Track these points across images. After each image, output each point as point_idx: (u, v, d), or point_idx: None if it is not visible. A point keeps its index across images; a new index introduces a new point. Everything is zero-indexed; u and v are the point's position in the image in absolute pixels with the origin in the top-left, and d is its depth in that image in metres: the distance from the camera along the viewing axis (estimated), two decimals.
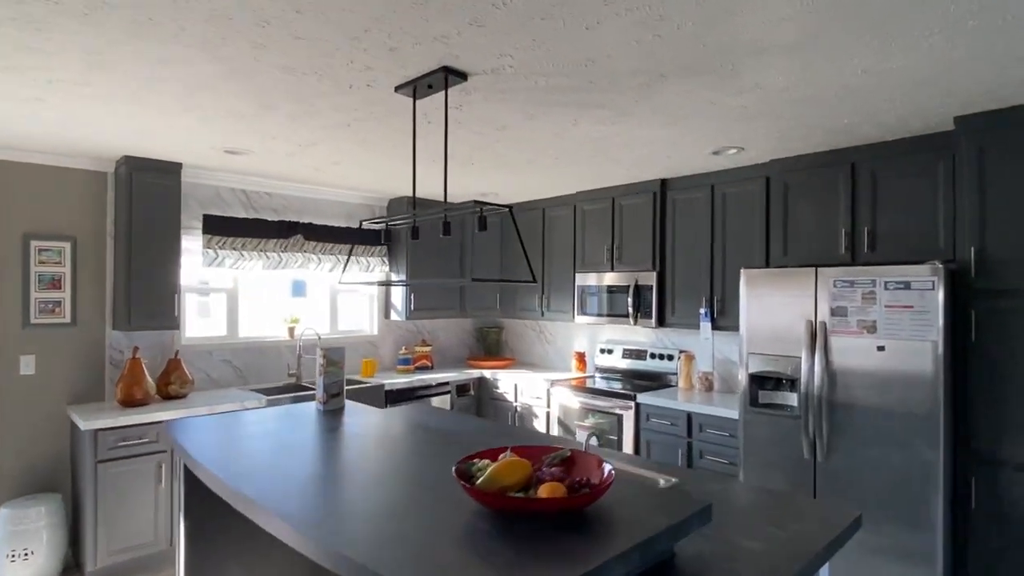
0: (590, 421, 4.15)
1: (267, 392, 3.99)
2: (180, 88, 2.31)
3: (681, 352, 4.26)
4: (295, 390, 4.21)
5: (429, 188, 4.52)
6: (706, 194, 3.89)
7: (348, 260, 2.89)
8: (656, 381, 4.39)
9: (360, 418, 2.47)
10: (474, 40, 1.87)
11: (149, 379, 3.52)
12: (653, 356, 4.47)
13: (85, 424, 3.08)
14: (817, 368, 2.88)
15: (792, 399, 3.03)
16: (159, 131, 2.93)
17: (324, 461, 1.81)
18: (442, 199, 5.00)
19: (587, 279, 4.52)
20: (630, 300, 4.20)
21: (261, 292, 4.56)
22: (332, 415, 2.56)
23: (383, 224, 2.61)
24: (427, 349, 5.13)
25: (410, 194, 4.88)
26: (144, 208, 3.54)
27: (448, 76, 2.13)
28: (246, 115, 2.65)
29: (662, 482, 2.06)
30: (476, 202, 1.99)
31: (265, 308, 4.57)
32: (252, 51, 1.96)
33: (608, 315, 4.38)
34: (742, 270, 3.23)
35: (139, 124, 2.80)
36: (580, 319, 4.57)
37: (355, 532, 1.27)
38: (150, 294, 3.55)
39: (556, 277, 4.88)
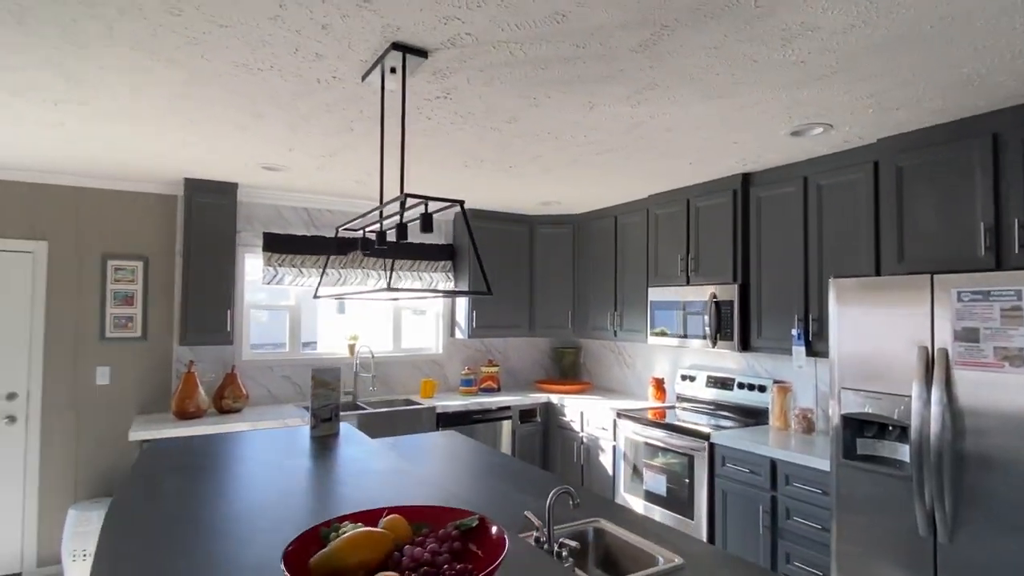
0: (659, 461, 3.54)
1: None
2: (165, 100, 2.28)
3: (775, 382, 3.50)
4: (351, 408, 4.13)
5: (478, 196, 4.26)
6: (798, 188, 3.17)
7: (391, 273, 2.69)
8: (749, 417, 3.65)
9: (333, 449, 2.21)
10: (399, 2, 1.56)
11: (202, 393, 3.61)
12: (742, 386, 3.74)
13: (133, 435, 3.19)
14: (935, 411, 2.09)
15: (903, 451, 2.25)
16: (197, 150, 2.99)
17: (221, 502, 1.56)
18: (502, 210, 4.72)
19: (659, 294, 3.93)
20: (706, 318, 3.55)
21: (329, 308, 4.59)
22: (319, 442, 2.34)
23: (360, 232, 2.36)
24: (494, 370, 4.82)
25: (478, 207, 4.65)
26: (201, 227, 3.68)
27: (406, 54, 1.84)
28: (245, 125, 2.57)
29: (661, 560, 1.54)
30: (408, 194, 1.64)
31: (330, 325, 4.59)
32: (191, 47, 1.82)
33: (682, 336, 3.75)
34: (831, 280, 2.51)
35: (170, 144, 2.87)
36: (653, 340, 3.97)
37: None
38: (206, 310, 3.67)
39: (629, 293, 4.33)
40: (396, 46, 1.80)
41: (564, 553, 1.47)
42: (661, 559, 1.54)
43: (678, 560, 1.52)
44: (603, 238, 4.60)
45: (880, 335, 2.31)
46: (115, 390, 3.68)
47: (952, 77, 2.03)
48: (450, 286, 4.84)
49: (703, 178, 3.57)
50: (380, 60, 1.89)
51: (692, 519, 3.29)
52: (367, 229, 2.36)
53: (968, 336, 2.03)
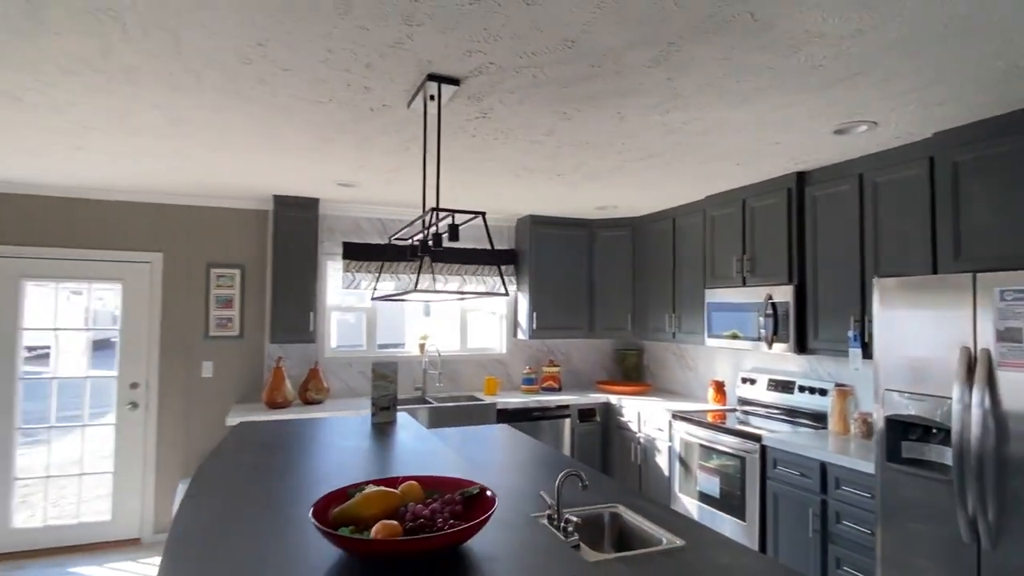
0: (712, 462, 3.55)
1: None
2: (247, 130, 2.66)
3: (837, 386, 3.41)
4: (419, 403, 4.45)
5: (538, 202, 4.45)
6: (853, 186, 3.09)
7: (417, 276, 2.96)
8: (810, 421, 3.58)
9: (389, 435, 2.48)
10: (427, 41, 1.79)
11: (289, 386, 4.06)
12: (803, 389, 3.66)
13: (229, 420, 3.67)
14: (975, 415, 2.02)
15: (947, 455, 2.19)
16: (281, 171, 3.41)
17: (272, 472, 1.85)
18: (562, 215, 4.87)
19: (716, 296, 3.93)
20: (762, 320, 3.53)
21: (416, 311, 4.96)
22: (378, 428, 2.62)
23: (408, 239, 2.62)
24: (555, 370, 4.98)
25: (537, 213, 4.84)
26: (287, 238, 4.15)
27: (440, 83, 2.07)
28: (316, 148, 2.93)
29: (664, 541, 1.65)
30: (434, 208, 1.86)
31: (404, 326, 4.96)
32: (262, 87, 2.16)
33: (738, 337, 3.73)
34: (875, 280, 2.47)
35: (257, 166, 3.30)
36: (710, 342, 3.98)
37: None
38: (292, 312, 4.12)
39: (687, 295, 4.34)
40: (431, 77, 2.03)
41: (570, 528, 1.62)
42: (664, 540, 1.66)
43: (679, 542, 1.63)
44: (661, 240, 4.64)
45: (923, 335, 2.26)
46: (217, 382, 4.22)
47: (988, 71, 1.97)
48: (512, 289, 5.06)
49: (756, 178, 3.55)
50: (419, 89, 2.13)
51: (744, 521, 3.28)
52: (414, 237, 2.61)
53: (1011, 336, 1.96)
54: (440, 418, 4.17)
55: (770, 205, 3.57)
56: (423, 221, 2.19)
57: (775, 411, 3.83)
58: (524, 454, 2.67)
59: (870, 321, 2.96)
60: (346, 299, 4.71)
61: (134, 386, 4.03)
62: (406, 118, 2.49)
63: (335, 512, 1.25)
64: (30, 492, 3.87)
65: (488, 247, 4.99)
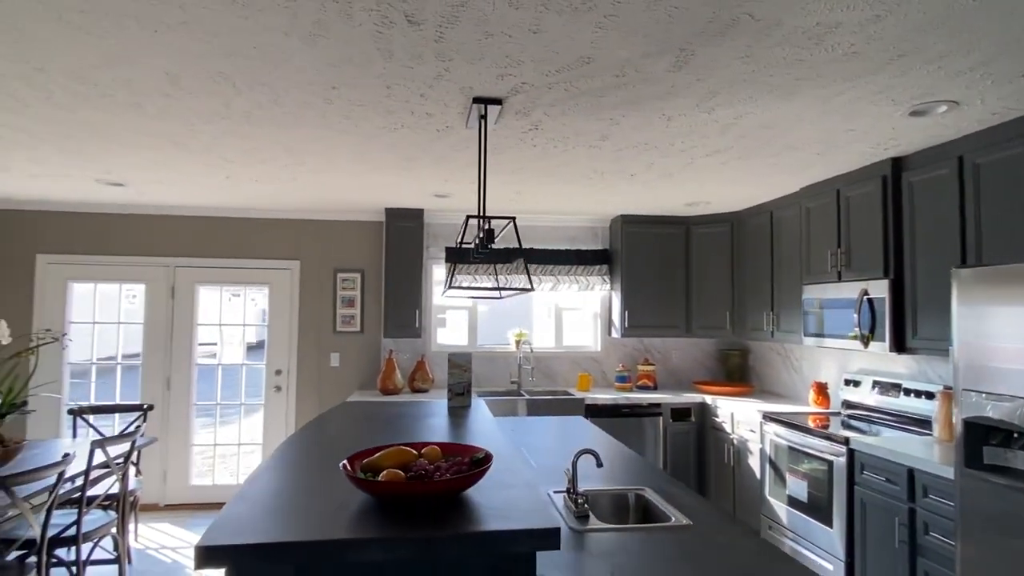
0: (801, 465, 3.41)
1: (489, 394, 4.65)
2: (347, 155, 3.14)
3: (945, 388, 3.11)
4: (514, 395, 4.75)
5: (624, 201, 4.54)
6: (952, 170, 2.83)
7: (450, 275, 3.26)
8: (915, 426, 3.29)
9: (460, 416, 2.79)
10: (462, 72, 2.06)
11: (399, 375, 4.59)
12: (908, 392, 3.37)
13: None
14: None
15: None
16: (386, 187, 3.92)
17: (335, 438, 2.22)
18: (653, 213, 4.90)
19: (812, 292, 3.74)
20: (856, 316, 3.31)
21: (543, 309, 5.34)
22: (454, 411, 2.96)
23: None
24: (650, 368, 5.00)
25: (628, 212, 4.93)
26: (398, 245, 4.68)
27: (486, 105, 2.34)
28: (404, 167, 3.35)
29: (673, 519, 1.77)
30: (475, 215, 2.13)
31: (504, 323, 5.31)
32: (347, 121, 2.59)
33: (831, 335, 3.53)
34: (952, 271, 2.29)
35: (366, 184, 3.83)
36: (807, 341, 3.79)
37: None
38: (400, 311, 4.65)
39: (785, 291, 4.16)
40: (476, 99, 2.31)
41: (580, 501, 1.79)
42: (674, 519, 1.76)
43: (686, 521, 1.73)
44: (759, 235, 4.48)
45: (1002, 330, 2.06)
46: (342, 371, 4.88)
47: None
48: (606, 288, 5.17)
49: (848, 167, 3.35)
50: (470, 111, 2.42)
51: (831, 527, 3.12)
52: (458, 241, 2.89)
53: None
54: (531, 410, 4.43)
55: (864, 194, 3.34)
56: (475, 225, 2.47)
57: (881, 415, 3.55)
58: (577, 442, 2.84)
59: None
60: (454, 300, 5.16)
61: (278, 372, 4.82)
62: (470, 136, 2.80)
63: (363, 463, 1.56)
64: (203, 457, 4.81)
65: (588, 248, 5.16)
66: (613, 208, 4.71)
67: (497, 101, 2.33)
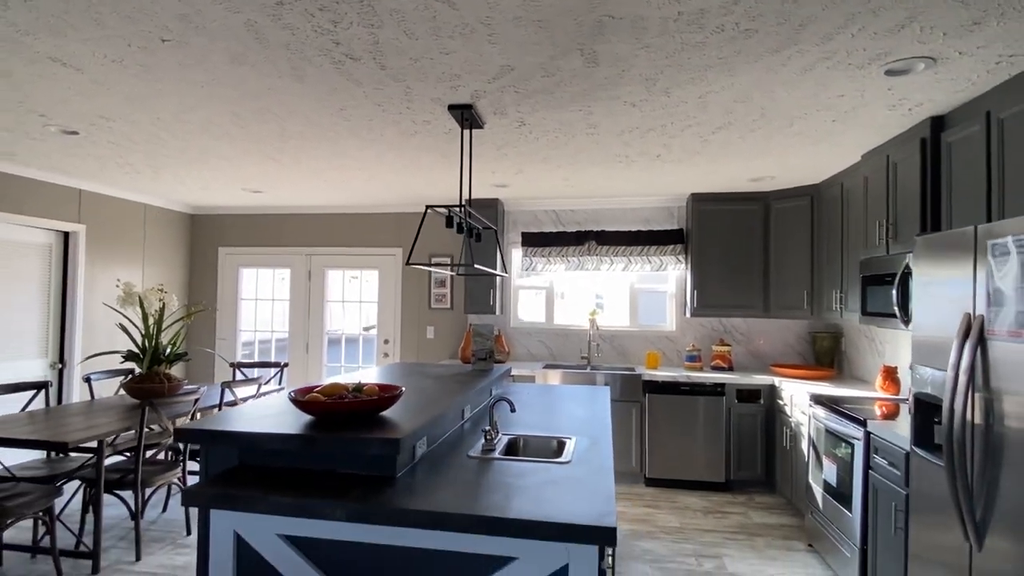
0: (832, 448, 3.26)
1: (558, 367, 5.03)
2: (400, 162, 3.77)
3: None
4: (578, 368, 5.06)
5: (683, 181, 4.54)
6: (981, 126, 2.52)
7: (465, 253, 3.64)
8: None
9: (474, 376, 3.27)
10: (422, 88, 2.51)
11: None
12: None
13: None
14: (960, 391, 1.73)
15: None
16: (441, 184, 4.51)
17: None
18: (727, 190, 4.81)
19: (868, 267, 3.48)
20: (895, 292, 3.07)
21: (622, 289, 5.65)
22: (476, 372, 3.44)
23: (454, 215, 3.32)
24: (725, 349, 4.93)
25: (699, 190, 4.89)
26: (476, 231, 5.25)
27: (461, 111, 2.75)
28: (441, 166, 3.88)
29: (562, 457, 2.07)
30: (463, 204, 2.57)
31: (579, 302, 5.62)
32: (371, 133, 3.19)
33: (876, 314, 3.28)
34: (915, 238, 2.15)
35: (433, 180, 4.45)
36: (862, 320, 3.54)
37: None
38: (479, 291, 5.23)
39: (852, 268, 3.87)
40: (450, 107, 2.74)
41: (488, 438, 2.17)
42: (565, 457, 2.05)
43: (569, 460, 2.01)
44: (833, 208, 4.18)
45: (937, 302, 1.94)
46: (436, 342, 5.63)
47: None
48: (680, 268, 5.17)
49: (895, 129, 3.08)
50: (454, 116, 2.86)
51: (850, 512, 2.99)
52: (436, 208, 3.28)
53: (997, 299, 1.64)
54: (588, 382, 4.71)
55: (907, 158, 3.05)
56: (454, 212, 2.90)
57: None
58: (570, 408, 3.13)
59: None
60: (532, 280, 5.61)
61: (386, 342, 5.73)
62: (479, 135, 3.22)
63: (312, 394, 2.14)
64: None
65: (660, 229, 5.22)
66: (684, 187, 4.72)
67: (468, 107, 2.73)
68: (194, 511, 3.78)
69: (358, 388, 2.15)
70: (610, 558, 2.09)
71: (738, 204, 4.86)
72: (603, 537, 1.41)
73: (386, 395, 2.05)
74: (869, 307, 3.46)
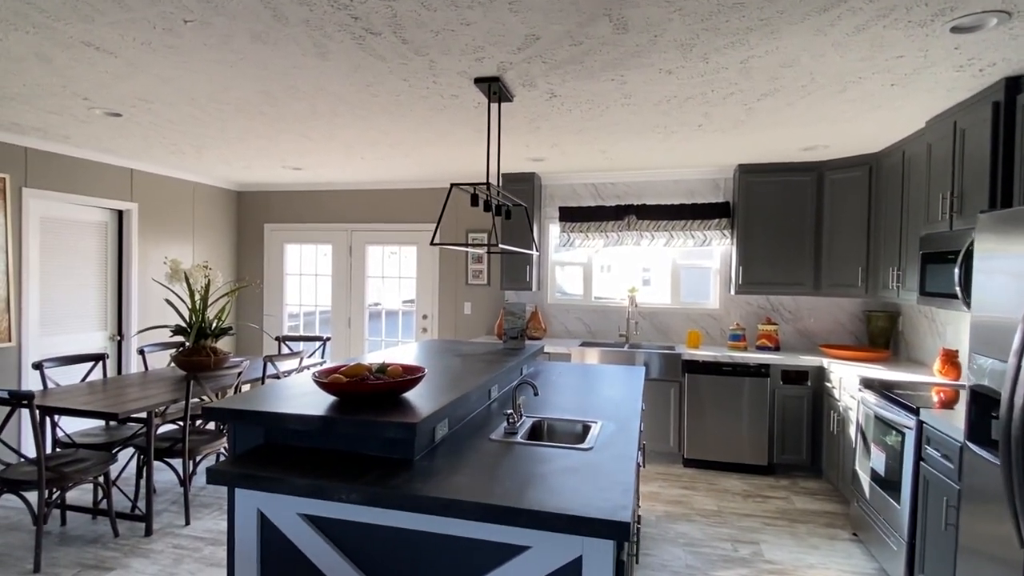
0: (882, 436, 3.09)
1: (597, 344, 4.96)
2: (433, 140, 3.72)
3: None
4: (616, 346, 4.97)
5: (737, 150, 4.32)
6: None
7: (492, 233, 3.56)
8: None
9: (506, 354, 3.25)
10: (447, 61, 2.43)
11: None
12: None
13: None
14: (1021, 383, 1.57)
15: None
16: (478, 159, 4.44)
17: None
18: (777, 160, 4.56)
19: (929, 244, 3.23)
20: (957, 272, 2.83)
21: (665, 266, 5.51)
22: (507, 351, 3.42)
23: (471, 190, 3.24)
24: (771, 328, 4.72)
25: (745, 161, 4.64)
26: (505, 208, 5.17)
27: (488, 83, 2.67)
28: (474, 141, 3.80)
29: (583, 445, 2.03)
30: (485, 183, 2.51)
31: (619, 277, 5.49)
32: (401, 108, 3.14)
33: (936, 294, 3.05)
34: (979, 215, 1.95)
35: (474, 157, 4.39)
36: (922, 300, 3.30)
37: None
38: (514, 267, 5.18)
39: (912, 244, 3.60)
40: (477, 80, 2.66)
41: (511, 421, 2.15)
42: (587, 443, 2.01)
43: (591, 446, 1.97)
44: (892, 179, 3.88)
45: (1013, 286, 1.76)
46: (473, 317, 5.64)
47: None
48: (725, 243, 4.96)
49: (948, 93, 2.81)
50: (481, 90, 2.77)
51: (898, 503, 2.83)
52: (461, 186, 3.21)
53: None
54: (626, 361, 4.62)
55: (976, 124, 2.77)
56: (480, 190, 2.84)
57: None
58: (599, 389, 3.06)
59: None
60: (571, 256, 5.51)
61: (425, 317, 5.78)
62: (509, 109, 3.13)
63: (335, 375, 2.16)
64: None
65: (705, 202, 5.01)
66: (729, 158, 4.49)
67: (495, 79, 2.64)
68: None
69: (382, 369, 2.15)
70: (634, 544, 2.04)
71: (789, 175, 4.59)
72: (616, 532, 1.36)
73: (408, 377, 2.04)
74: (929, 286, 3.22)
